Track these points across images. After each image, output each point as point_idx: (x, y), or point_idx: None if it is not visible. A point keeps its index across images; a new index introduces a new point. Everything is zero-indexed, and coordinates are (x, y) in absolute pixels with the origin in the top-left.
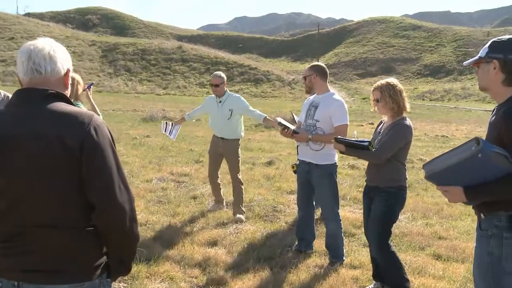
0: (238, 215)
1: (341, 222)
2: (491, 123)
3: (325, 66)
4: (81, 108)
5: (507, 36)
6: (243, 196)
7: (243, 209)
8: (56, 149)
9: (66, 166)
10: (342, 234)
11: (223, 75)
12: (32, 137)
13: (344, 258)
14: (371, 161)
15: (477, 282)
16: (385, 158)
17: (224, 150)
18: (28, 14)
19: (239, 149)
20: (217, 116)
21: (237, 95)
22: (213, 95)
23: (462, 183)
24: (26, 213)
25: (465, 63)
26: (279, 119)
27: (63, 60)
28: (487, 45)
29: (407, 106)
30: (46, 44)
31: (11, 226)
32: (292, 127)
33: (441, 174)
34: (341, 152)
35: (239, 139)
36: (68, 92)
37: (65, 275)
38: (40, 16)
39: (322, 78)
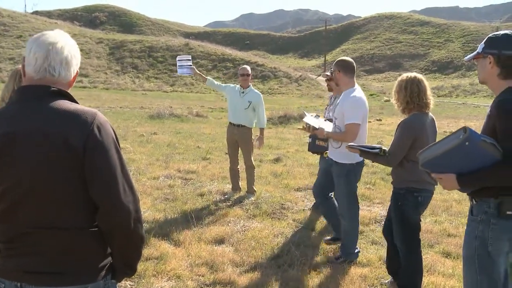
0: (248, 194)
1: (358, 222)
2: (488, 114)
3: (350, 60)
4: (84, 106)
5: (502, 32)
6: (254, 177)
7: (254, 188)
8: (59, 148)
9: (70, 166)
10: (357, 233)
11: (249, 68)
12: (35, 136)
13: (355, 258)
14: (386, 165)
15: (464, 263)
16: (397, 159)
17: (238, 137)
18: (36, 12)
19: (252, 136)
20: (237, 104)
21: (259, 92)
22: (238, 86)
23: (455, 170)
24: (30, 214)
25: (465, 58)
26: (307, 119)
27: (76, 65)
28: (483, 41)
29: (424, 103)
30: (65, 46)
31: (14, 226)
32: (316, 124)
33: (434, 162)
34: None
35: (251, 128)
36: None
37: (69, 277)
38: (48, 14)
39: (346, 73)
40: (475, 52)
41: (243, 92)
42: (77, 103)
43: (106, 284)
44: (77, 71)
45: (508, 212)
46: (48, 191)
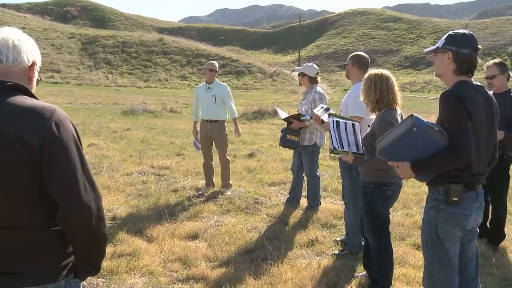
0: (224, 189)
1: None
2: None
3: (365, 56)
4: (43, 102)
5: (462, 31)
6: (229, 172)
7: (230, 182)
8: (14, 146)
9: (26, 164)
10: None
11: (217, 64)
12: None
13: (359, 251)
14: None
15: (422, 249)
16: None
17: (212, 133)
18: (3, 5)
19: (226, 131)
20: (204, 100)
21: (224, 84)
22: (202, 83)
23: (408, 158)
24: None
25: (425, 50)
26: (316, 110)
27: (29, 52)
28: (444, 37)
29: (394, 100)
30: (11, 34)
31: None
32: (325, 117)
33: (388, 149)
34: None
35: (224, 121)
36: (33, 86)
37: (27, 277)
38: (16, 8)
39: (359, 67)
40: (435, 46)
41: (208, 88)
42: (36, 98)
43: (68, 283)
44: (34, 61)
45: (454, 199)
46: (2, 191)
